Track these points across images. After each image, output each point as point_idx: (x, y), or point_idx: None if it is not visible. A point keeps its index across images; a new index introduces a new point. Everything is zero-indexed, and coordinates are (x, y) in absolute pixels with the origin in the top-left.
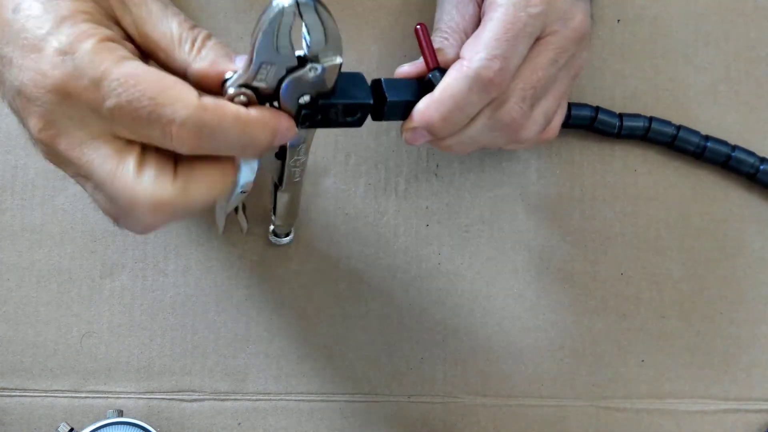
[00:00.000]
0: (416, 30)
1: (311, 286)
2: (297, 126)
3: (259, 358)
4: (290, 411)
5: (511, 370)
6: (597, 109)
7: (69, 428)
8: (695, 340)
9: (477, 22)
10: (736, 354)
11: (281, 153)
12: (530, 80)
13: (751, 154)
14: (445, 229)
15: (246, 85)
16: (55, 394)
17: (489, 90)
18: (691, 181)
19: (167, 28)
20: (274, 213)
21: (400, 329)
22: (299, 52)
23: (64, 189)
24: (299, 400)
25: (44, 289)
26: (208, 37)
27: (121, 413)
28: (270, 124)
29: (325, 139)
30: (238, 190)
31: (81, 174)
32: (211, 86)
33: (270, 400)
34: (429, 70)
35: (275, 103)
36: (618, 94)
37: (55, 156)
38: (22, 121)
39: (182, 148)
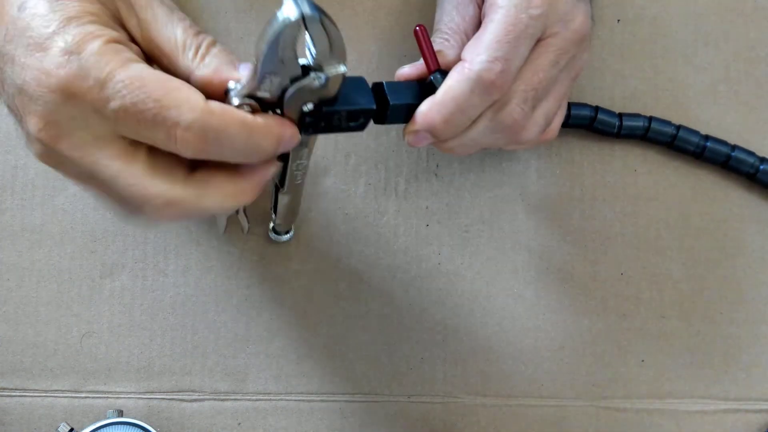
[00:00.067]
0: (416, 31)
1: (311, 286)
2: (300, 133)
3: (259, 358)
4: (290, 411)
5: (511, 370)
6: (597, 108)
7: (69, 428)
8: (695, 340)
9: (477, 23)
10: (736, 354)
11: (284, 155)
12: (531, 82)
13: (751, 153)
14: (445, 229)
15: (250, 96)
16: (55, 394)
17: (491, 92)
18: (691, 181)
19: (172, 34)
20: (275, 213)
21: (400, 329)
22: (303, 61)
23: (64, 189)
24: (299, 400)
25: (44, 289)
26: (213, 43)
27: (121, 413)
28: (275, 131)
29: (325, 140)
30: None
31: (82, 174)
32: (214, 93)
33: (270, 400)
34: (430, 72)
35: (278, 110)
36: (618, 94)
37: (54, 157)
38: (21, 121)
39: (186, 152)
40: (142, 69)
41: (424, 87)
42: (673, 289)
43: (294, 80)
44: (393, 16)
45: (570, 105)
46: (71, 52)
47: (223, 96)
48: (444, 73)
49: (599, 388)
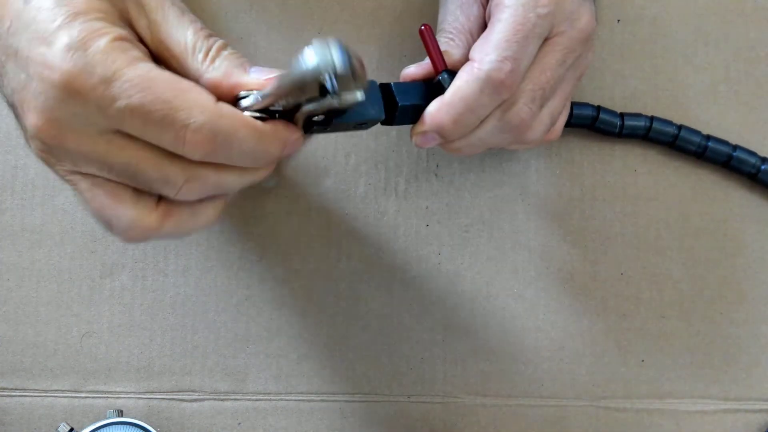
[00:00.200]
0: (421, 31)
1: (311, 286)
2: (304, 134)
3: (259, 358)
4: (290, 411)
5: (511, 370)
6: (598, 108)
7: (69, 428)
8: (695, 340)
9: (482, 23)
10: (736, 354)
11: None
12: (539, 81)
13: (753, 154)
14: (445, 229)
15: (262, 110)
16: (55, 394)
17: (500, 91)
18: (692, 180)
19: (182, 36)
20: None
21: (400, 329)
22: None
23: (64, 189)
24: (299, 400)
25: (44, 289)
26: (224, 46)
27: (121, 413)
28: (281, 136)
29: (325, 139)
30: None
31: (79, 173)
32: (223, 96)
33: (270, 400)
34: (437, 72)
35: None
36: (618, 94)
37: (53, 154)
38: (20, 117)
39: (194, 155)
40: (151, 68)
41: (432, 87)
42: (673, 289)
43: (310, 100)
44: (394, 16)
45: (572, 104)
46: (76, 47)
47: (232, 100)
48: (451, 73)
49: (599, 388)
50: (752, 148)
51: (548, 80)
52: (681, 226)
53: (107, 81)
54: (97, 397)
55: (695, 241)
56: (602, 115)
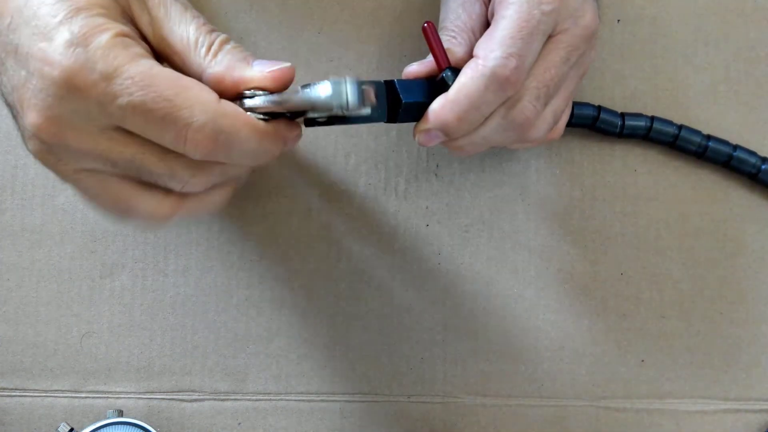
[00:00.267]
0: (424, 28)
1: (311, 286)
2: (304, 125)
3: (259, 358)
4: (290, 411)
5: (511, 370)
6: (599, 108)
7: (69, 428)
8: (695, 340)
9: (484, 20)
10: (736, 354)
11: None
12: (543, 78)
13: (753, 154)
14: (445, 229)
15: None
16: (55, 394)
17: (505, 88)
18: (692, 180)
19: (184, 31)
20: None
21: (400, 329)
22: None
23: (64, 189)
24: (299, 400)
25: (44, 289)
26: (226, 41)
27: (121, 413)
28: (282, 135)
29: (325, 140)
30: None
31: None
32: (226, 91)
33: (270, 400)
34: (440, 69)
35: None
36: (618, 94)
37: (52, 153)
38: (18, 116)
39: (195, 154)
40: (152, 65)
41: (435, 85)
42: (673, 289)
43: (317, 109)
44: (394, 16)
45: (573, 104)
46: (77, 43)
47: (235, 96)
48: (455, 70)
49: (599, 388)
50: (752, 147)
51: (552, 78)
52: (681, 226)
53: (108, 77)
54: (97, 397)
55: (695, 241)
56: (603, 115)
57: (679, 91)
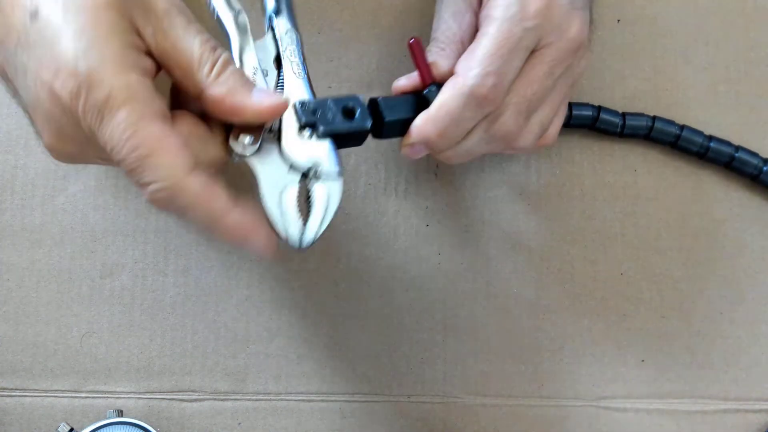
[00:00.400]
0: (410, 45)
1: (311, 286)
2: None
3: (259, 358)
4: (290, 411)
5: (511, 370)
6: (599, 108)
7: (69, 428)
8: (695, 340)
9: (474, 31)
10: (736, 354)
11: None
12: (525, 94)
13: (755, 155)
14: (445, 229)
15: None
16: (55, 394)
17: (483, 106)
18: (692, 181)
19: (188, 46)
20: None
21: (400, 329)
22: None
23: (64, 189)
24: (299, 400)
25: (44, 289)
26: (229, 62)
27: (121, 413)
28: (244, 232)
29: None
30: None
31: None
32: (223, 112)
33: (270, 400)
34: (425, 85)
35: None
36: (618, 95)
37: (74, 161)
38: (36, 131)
39: (151, 204)
40: (142, 116)
41: (420, 100)
42: (673, 289)
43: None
44: (393, 16)
45: (571, 105)
46: (81, 79)
47: (229, 115)
48: (439, 85)
49: (599, 388)
50: (752, 148)
51: (535, 92)
52: (681, 226)
53: (100, 114)
54: (97, 397)
55: (695, 241)
56: (603, 115)
57: (679, 91)
